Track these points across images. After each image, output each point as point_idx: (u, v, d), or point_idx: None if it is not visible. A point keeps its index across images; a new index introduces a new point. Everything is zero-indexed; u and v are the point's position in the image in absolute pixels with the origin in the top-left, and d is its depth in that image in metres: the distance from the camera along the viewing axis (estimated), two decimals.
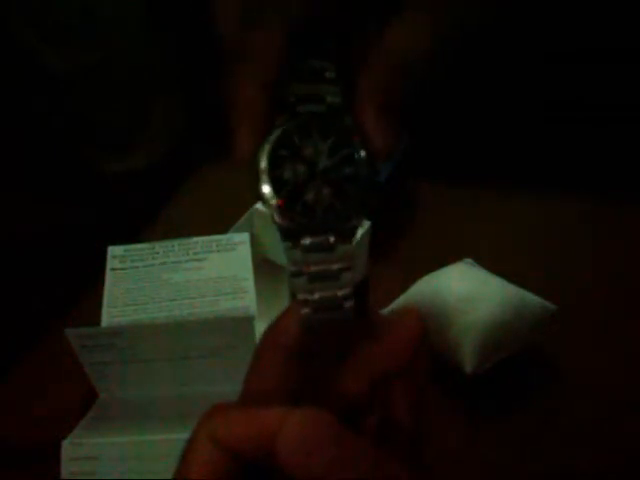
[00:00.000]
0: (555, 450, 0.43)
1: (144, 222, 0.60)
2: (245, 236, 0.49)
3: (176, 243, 0.48)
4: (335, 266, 0.24)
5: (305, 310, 0.24)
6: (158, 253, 0.48)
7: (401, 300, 0.47)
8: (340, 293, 0.24)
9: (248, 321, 0.41)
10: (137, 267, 0.47)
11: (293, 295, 0.24)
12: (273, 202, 0.24)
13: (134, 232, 0.56)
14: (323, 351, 0.24)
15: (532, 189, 0.57)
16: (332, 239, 0.24)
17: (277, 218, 0.24)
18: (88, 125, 0.60)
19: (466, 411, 0.45)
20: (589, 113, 0.58)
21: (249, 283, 0.46)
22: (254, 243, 0.50)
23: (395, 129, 0.27)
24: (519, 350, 0.45)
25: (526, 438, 0.43)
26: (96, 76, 0.58)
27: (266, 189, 0.24)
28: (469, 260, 0.48)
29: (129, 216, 0.59)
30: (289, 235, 0.24)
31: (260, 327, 0.42)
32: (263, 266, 0.52)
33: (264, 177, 0.24)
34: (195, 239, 0.49)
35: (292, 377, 0.24)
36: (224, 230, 0.51)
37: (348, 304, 0.24)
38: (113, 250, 0.48)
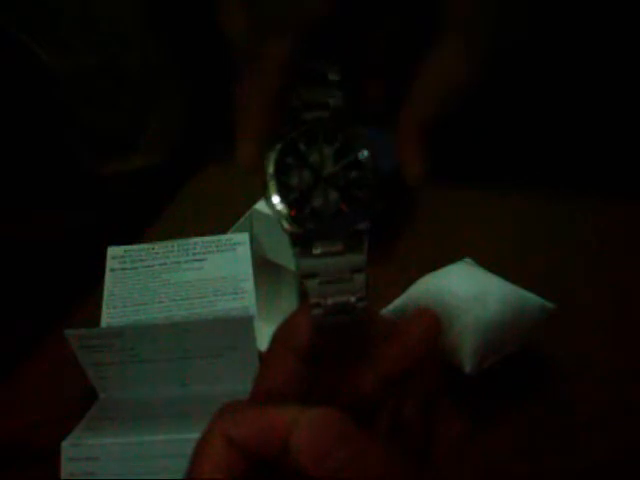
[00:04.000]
0: (555, 450, 0.43)
1: (145, 223, 0.60)
2: (245, 236, 0.49)
3: (176, 244, 0.49)
4: (347, 270, 0.24)
5: (317, 312, 0.23)
6: (158, 254, 0.48)
7: (401, 300, 0.47)
8: (353, 298, 0.24)
9: (248, 321, 0.41)
10: (137, 268, 0.47)
11: (303, 296, 0.24)
12: (283, 212, 0.24)
13: (135, 233, 0.56)
14: (334, 351, 0.24)
15: (532, 189, 0.57)
16: (342, 245, 0.24)
17: (286, 226, 0.24)
18: (88, 127, 0.60)
19: (466, 411, 0.45)
20: (589, 113, 0.58)
21: (249, 283, 0.46)
22: (254, 243, 0.50)
23: (430, 156, 0.27)
24: (519, 350, 0.45)
25: (526, 438, 0.43)
26: (96, 77, 0.58)
27: (275, 199, 0.24)
28: (469, 260, 0.48)
29: (130, 217, 0.59)
30: (299, 242, 0.24)
31: (260, 327, 0.42)
32: (263, 266, 0.52)
33: (272, 186, 0.24)
34: (195, 239, 0.49)
35: (303, 377, 0.24)
36: (224, 230, 0.51)
37: (361, 305, 0.24)
38: (113, 251, 0.48)
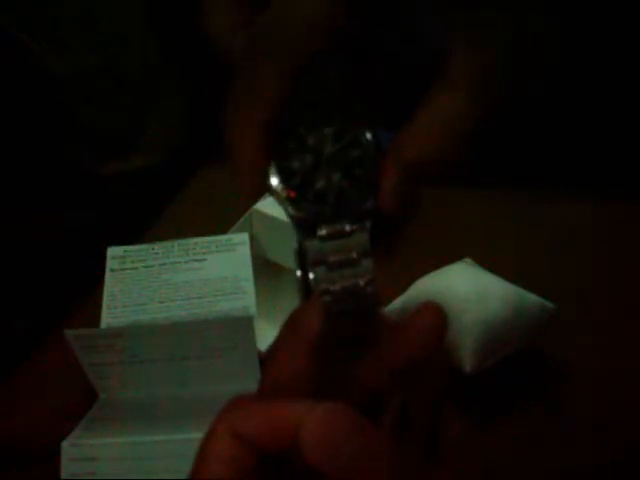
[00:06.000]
0: (555, 450, 0.43)
1: (145, 223, 0.60)
2: (244, 237, 0.49)
3: (175, 244, 0.49)
4: (354, 253, 0.24)
5: (327, 298, 0.23)
6: (157, 254, 0.48)
7: (401, 300, 0.47)
8: (362, 281, 0.23)
9: (248, 321, 0.41)
10: (136, 268, 0.47)
11: (307, 289, 0.24)
12: (283, 194, 0.24)
13: (135, 233, 0.56)
14: (343, 343, 0.24)
15: (532, 189, 0.57)
16: (348, 225, 0.24)
17: (291, 210, 0.24)
18: (88, 127, 0.60)
19: (466, 411, 0.45)
20: (589, 113, 0.58)
21: (249, 283, 0.46)
22: (253, 243, 0.50)
23: (411, 196, 0.27)
24: (519, 350, 0.45)
25: (526, 438, 0.43)
26: (96, 77, 0.58)
27: (275, 181, 0.24)
28: (469, 260, 0.48)
29: (130, 217, 0.59)
30: (305, 226, 0.24)
31: (260, 327, 0.42)
32: (263, 266, 0.52)
33: (273, 172, 0.24)
34: (194, 240, 0.49)
35: (312, 370, 0.24)
36: (224, 230, 0.51)
37: (370, 290, 0.23)
38: (112, 251, 0.48)
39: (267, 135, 0.25)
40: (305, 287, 0.24)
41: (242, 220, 0.52)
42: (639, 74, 0.56)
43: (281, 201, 0.24)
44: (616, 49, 0.55)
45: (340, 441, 0.21)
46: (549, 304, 0.45)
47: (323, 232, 0.24)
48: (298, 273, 0.24)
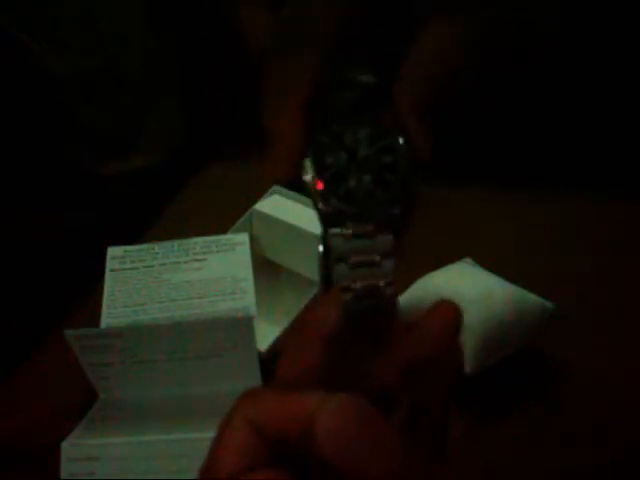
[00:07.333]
0: (555, 450, 0.43)
1: (145, 223, 0.60)
2: (244, 237, 0.49)
3: (176, 244, 0.49)
4: (376, 255, 0.24)
5: (347, 296, 0.24)
6: (158, 254, 0.48)
7: (401, 300, 0.47)
8: (382, 283, 0.24)
9: (248, 321, 0.41)
10: (137, 268, 0.47)
11: (328, 283, 0.24)
12: (314, 186, 0.24)
13: (135, 233, 0.56)
14: (359, 339, 0.24)
15: (532, 189, 0.57)
16: (373, 226, 0.24)
17: (319, 204, 0.24)
18: (88, 127, 0.60)
19: (466, 411, 0.45)
20: (589, 113, 0.58)
21: (249, 283, 0.46)
22: (253, 243, 0.50)
23: (433, 132, 0.27)
24: (519, 350, 0.45)
25: (526, 438, 0.43)
26: (96, 77, 0.58)
27: (308, 173, 0.25)
28: (469, 260, 0.48)
29: (130, 217, 0.59)
30: (330, 222, 0.24)
31: (260, 327, 0.42)
32: (263, 266, 0.52)
33: (307, 165, 0.25)
34: (195, 240, 0.49)
35: (327, 365, 0.24)
36: (224, 230, 0.51)
37: (389, 291, 0.24)
38: (112, 251, 0.48)
39: (304, 123, 0.25)
40: (326, 281, 0.24)
41: (242, 220, 0.52)
42: (639, 74, 0.56)
43: (311, 193, 0.25)
44: (616, 49, 0.55)
45: (354, 432, 0.21)
46: (549, 304, 0.45)
47: (348, 231, 0.24)
48: (321, 264, 0.25)
